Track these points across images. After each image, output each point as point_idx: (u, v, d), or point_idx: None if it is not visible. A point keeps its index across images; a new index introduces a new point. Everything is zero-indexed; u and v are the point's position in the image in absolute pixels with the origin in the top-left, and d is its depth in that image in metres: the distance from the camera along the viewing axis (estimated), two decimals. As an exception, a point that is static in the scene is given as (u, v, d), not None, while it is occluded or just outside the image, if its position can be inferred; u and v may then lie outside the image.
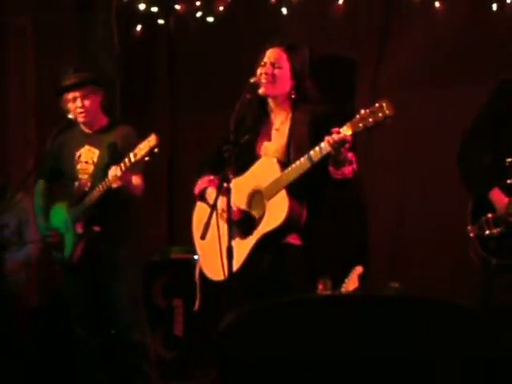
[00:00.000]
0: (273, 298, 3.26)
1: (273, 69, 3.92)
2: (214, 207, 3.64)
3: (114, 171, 4.47)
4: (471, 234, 4.25)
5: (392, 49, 6.10)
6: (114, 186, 4.52)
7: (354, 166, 3.72)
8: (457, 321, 2.42)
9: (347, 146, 3.61)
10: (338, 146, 3.60)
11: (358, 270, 4.85)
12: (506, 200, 4.18)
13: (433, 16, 5.95)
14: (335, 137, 3.59)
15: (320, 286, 4.66)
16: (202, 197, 4.02)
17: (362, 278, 4.82)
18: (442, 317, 2.42)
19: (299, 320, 2.37)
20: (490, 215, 4.20)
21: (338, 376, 2.36)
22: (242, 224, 3.90)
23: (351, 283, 4.81)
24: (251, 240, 3.86)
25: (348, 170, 3.71)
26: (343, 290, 4.76)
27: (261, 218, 3.86)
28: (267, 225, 3.82)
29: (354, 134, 3.60)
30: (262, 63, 3.94)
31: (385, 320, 2.40)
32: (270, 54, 3.95)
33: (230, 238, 3.58)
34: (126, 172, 4.48)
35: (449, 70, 5.87)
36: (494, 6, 5.74)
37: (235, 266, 3.81)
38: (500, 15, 5.73)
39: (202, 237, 3.62)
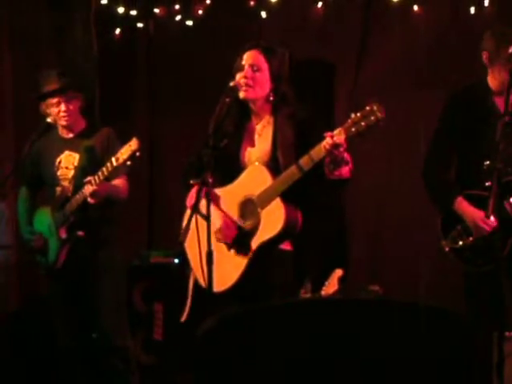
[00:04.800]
0: (256, 303, 3.26)
1: (252, 72, 3.90)
2: (208, 218, 3.58)
3: (87, 189, 4.49)
4: (446, 249, 4.27)
5: (371, 52, 6.11)
6: (91, 202, 4.54)
7: (350, 165, 3.71)
8: (436, 323, 2.42)
9: (342, 149, 3.60)
10: (333, 150, 3.59)
11: (338, 272, 4.85)
12: (471, 209, 4.21)
13: (412, 19, 5.97)
14: (330, 141, 3.58)
15: (301, 290, 4.65)
16: (196, 209, 3.72)
17: (341, 280, 4.82)
18: (422, 320, 2.42)
19: (278, 324, 2.37)
20: (459, 227, 4.22)
21: (317, 377, 2.36)
22: (238, 241, 3.88)
23: (331, 286, 4.81)
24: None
25: (345, 170, 3.70)
26: (323, 292, 4.76)
27: (256, 227, 3.83)
28: (264, 234, 3.79)
29: (347, 138, 3.58)
30: (241, 67, 3.93)
31: (364, 323, 2.40)
32: (248, 57, 3.94)
33: (210, 242, 3.56)
34: (101, 185, 4.49)
35: (428, 73, 5.88)
36: (472, 9, 5.78)
37: (234, 278, 3.83)
38: (478, 18, 5.76)
39: (182, 240, 3.62)
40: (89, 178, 4.51)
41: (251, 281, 3.84)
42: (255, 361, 2.31)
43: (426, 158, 4.48)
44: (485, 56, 4.33)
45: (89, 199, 4.55)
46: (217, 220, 3.85)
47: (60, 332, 4.92)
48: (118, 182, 4.75)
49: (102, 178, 4.48)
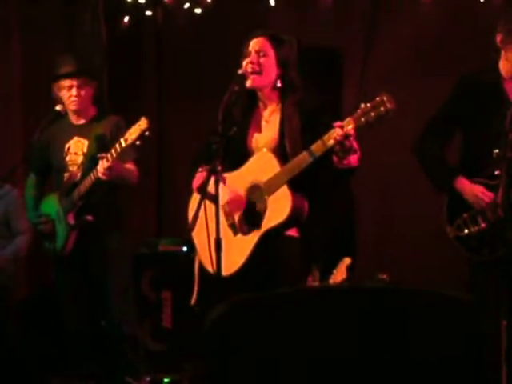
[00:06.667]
0: (265, 290, 3.27)
1: (258, 57, 3.91)
2: (216, 203, 3.59)
3: (102, 164, 4.47)
4: (451, 236, 4.25)
5: (380, 40, 6.10)
6: (103, 178, 4.52)
7: (359, 153, 3.71)
8: (445, 311, 2.42)
9: (351, 138, 3.60)
10: (343, 140, 3.59)
11: (346, 261, 4.86)
12: (471, 185, 4.18)
13: (420, 6, 5.96)
14: (340, 132, 3.58)
15: (309, 278, 4.66)
16: (204, 190, 3.70)
17: (350, 269, 4.82)
18: (430, 307, 2.42)
19: (288, 312, 2.37)
20: (465, 215, 4.18)
21: (326, 366, 2.37)
22: (248, 215, 3.89)
23: (339, 274, 4.82)
24: (255, 236, 3.85)
25: (354, 159, 3.69)
26: (331, 281, 4.77)
27: (263, 213, 3.84)
28: (270, 220, 3.81)
29: (356, 128, 3.58)
30: (247, 53, 3.93)
31: (373, 311, 2.41)
32: (254, 44, 3.95)
33: (219, 230, 3.57)
34: (116, 162, 4.47)
35: (436, 60, 5.87)
36: (482, -3, 5.77)
37: (239, 263, 3.84)
38: (487, 5, 5.74)
39: (191, 228, 3.63)
40: (103, 154, 4.49)
41: (257, 267, 3.85)
42: (264, 348, 2.32)
43: (421, 132, 4.44)
44: (499, 38, 4.25)
45: (101, 175, 4.52)
46: (225, 194, 3.86)
47: (68, 319, 4.94)
48: (129, 166, 4.75)
49: (114, 155, 4.46)
